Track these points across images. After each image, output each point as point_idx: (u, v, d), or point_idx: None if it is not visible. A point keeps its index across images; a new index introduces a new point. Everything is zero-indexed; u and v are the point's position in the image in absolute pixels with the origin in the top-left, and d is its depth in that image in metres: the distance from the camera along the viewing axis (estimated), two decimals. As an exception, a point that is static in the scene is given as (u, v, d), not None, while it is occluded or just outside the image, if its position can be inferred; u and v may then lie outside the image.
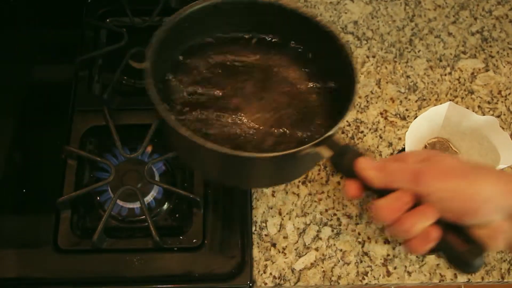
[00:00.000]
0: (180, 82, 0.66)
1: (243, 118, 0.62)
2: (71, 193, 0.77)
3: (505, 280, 0.76)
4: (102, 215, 0.75)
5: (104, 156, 0.82)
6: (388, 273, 0.76)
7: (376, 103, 0.87)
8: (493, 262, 0.76)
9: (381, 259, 0.77)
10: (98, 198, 0.80)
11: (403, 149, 0.66)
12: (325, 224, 0.79)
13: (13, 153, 0.82)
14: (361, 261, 0.77)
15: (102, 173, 0.81)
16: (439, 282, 0.76)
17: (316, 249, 0.77)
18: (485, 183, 0.48)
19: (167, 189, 0.79)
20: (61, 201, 0.76)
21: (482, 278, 0.76)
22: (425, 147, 0.70)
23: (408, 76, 0.89)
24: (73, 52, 0.88)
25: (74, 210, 0.78)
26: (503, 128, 0.85)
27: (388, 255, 0.77)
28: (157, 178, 0.80)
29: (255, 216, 0.79)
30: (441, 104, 0.72)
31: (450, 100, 0.87)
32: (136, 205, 0.78)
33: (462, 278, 0.76)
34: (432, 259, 0.77)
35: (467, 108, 0.78)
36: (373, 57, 0.91)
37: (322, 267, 0.76)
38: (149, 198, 0.79)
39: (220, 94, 0.64)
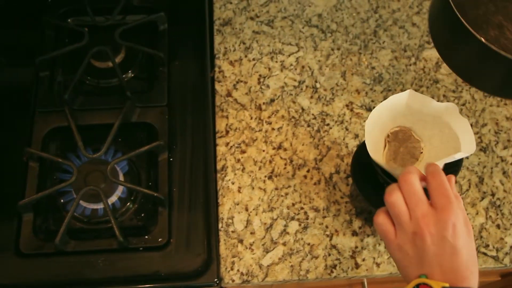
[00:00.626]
0: None
1: (507, 35, 0.61)
2: (33, 195, 0.76)
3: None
4: (66, 217, 0.74)
5: (67, 157, 0.80)
6: (357, 265, 0.76)
7: (342, 95, 0.87)
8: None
9: (349, 252, 0.76)
10: (61, 200, 0.79)
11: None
12: (292, 219, 0.78)
13: (-27, 157, 0.80)
14: (329, 254, 0.76)
15: (65, 174, 0.80)
16: (407, 272, 0.75)
17: (284, 244, 0.76)
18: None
19: (131, 189, 0.78)
20: (22, 204, 0.74)
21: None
22: (388, 136, 0.70)
23: (373, 68, 0.89)
24: (33, 52, 0.86)
25: (37, 213, 0.77)
26: (468, 116, 0.85)
27: (356, 247, 0.77)
28: (121, 177, 0.79)
29: (222, 213, 0.78)
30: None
31: (415, 90, 0.87)
32: (100, 205, 0.77)
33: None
34: (400, 249, 0.76)
35: (433, 97, 0.77)
36: (338, 49, 0.90)
37: (290, 262, 0.75)
38: (113, 198, 0.78)
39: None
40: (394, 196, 0.54)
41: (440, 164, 0.60)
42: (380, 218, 0.56)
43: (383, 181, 0.69)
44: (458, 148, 0.66)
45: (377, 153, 0.67)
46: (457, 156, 0.63)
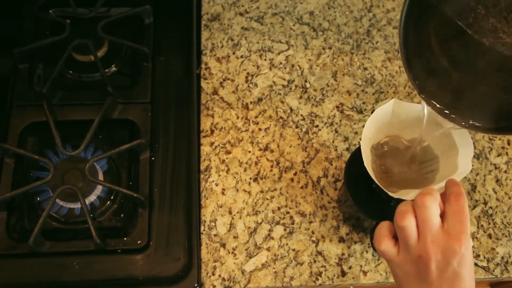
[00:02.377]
0: None
1: (505, 39, 0.54)
2: (7, 193, 0.72)
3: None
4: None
5: (45, 154, 0.77)
6: (343, 273, 0.73)
7: (332, 96, 0.84)
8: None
9: (335, 259, 0.74)
10: (38, 198, 0.75)
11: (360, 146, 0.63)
12: (277, 223, 0.75)
13: None
14: (315, 261, 0.73)
15: (42, 172, 0.76)
16: (395, 281, 0.73)
17: (268, 249, 0.74)
18: None
19: (110, 188, 0.75)
20: (-6, 203, 0.71)
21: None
22: (378, 148, 0.67)
23: (365, 68, 0.86)
24: (12, 43, 0.83)
25: (11, 211, 0.74)
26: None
27: (343, 254, 0.74)
28: (100, 176, 0.76)
29: (204, 215, 0.75)
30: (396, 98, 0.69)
31: (408, 93, 0.85)
32: (77, 205, 0.74)
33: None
34: (388, 257, 0.74)
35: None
36: (329, 48, 0.87)
37: (274, 268, 0.73)
38: (92, 198, 0.75)
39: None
40: (406, 221, 0.50)
41: (457, 178, 0.57)
42: (383, 246, 0.53)
43: (383, 195, 0.66)
44: (453, 145, 0.63)
45: (370, 167, 0.64)
46: (469, 166, 0.61)
